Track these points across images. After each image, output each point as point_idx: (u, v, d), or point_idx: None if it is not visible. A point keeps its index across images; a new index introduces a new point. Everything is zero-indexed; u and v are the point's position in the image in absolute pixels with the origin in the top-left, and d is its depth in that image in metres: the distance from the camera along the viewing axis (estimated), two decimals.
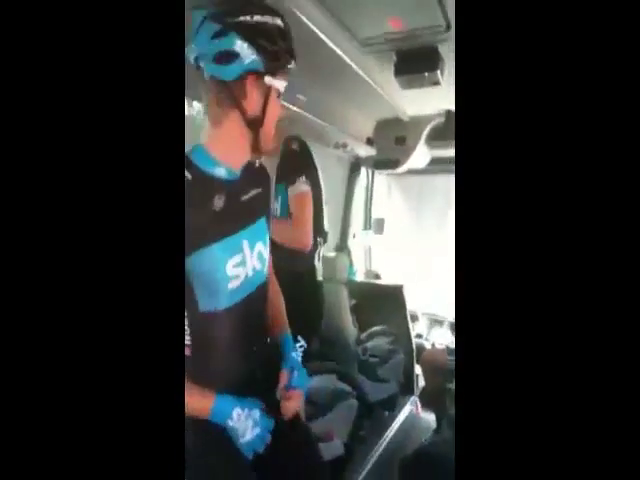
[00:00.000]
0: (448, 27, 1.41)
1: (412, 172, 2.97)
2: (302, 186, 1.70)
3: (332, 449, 1.85)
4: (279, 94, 0.95)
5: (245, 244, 0.97)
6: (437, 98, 2.11)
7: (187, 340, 0.96)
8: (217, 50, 0.85)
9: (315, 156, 1.84)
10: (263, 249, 1.03)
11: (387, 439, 2.38)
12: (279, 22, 0.90)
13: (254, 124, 0.92)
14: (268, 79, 0.90)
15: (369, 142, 2.63)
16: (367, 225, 3.47)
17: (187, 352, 0.97)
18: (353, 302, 2.62)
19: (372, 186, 3.46)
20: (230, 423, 0.91)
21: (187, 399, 0.89)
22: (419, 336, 3.31)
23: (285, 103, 1.80)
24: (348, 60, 1.65)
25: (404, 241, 3.88)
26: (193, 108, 1.71)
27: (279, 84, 0.92)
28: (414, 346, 2.92)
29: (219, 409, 0.91)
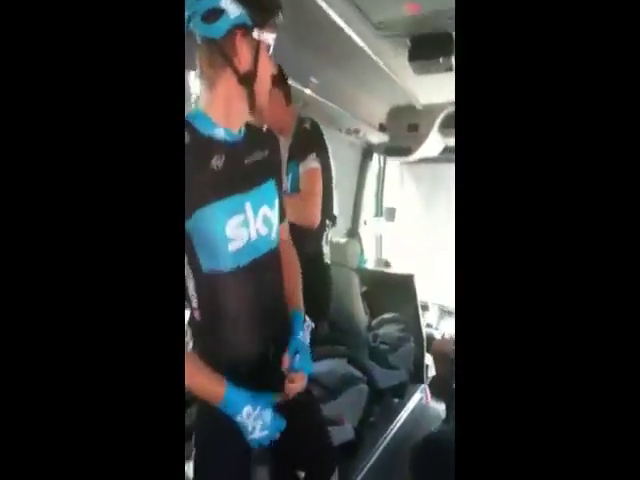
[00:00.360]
0: None
1: (425, 160, 2.95)
2: (313, 163, 1.70)
3: (343, 433, 1.86)
4: (269, 48, 0.94)
5: (248, 206, 0.96)
6: (451, 86, 2.09)
7: (194, 303, 0.97)
8: (205, 9, 0.86)
9: (327, 140, 1.84)
10: (270, 213, 1.01)
11: (397, 426, 2.38)
12: None
13: (247, 80, 0.92)
14: (256, 33, 0.90)
15: (382, 128, 2.61)
16: (378, 212, 3.46)
17: (197, 316, 0.98)
18: (364, 289, 2.62)
19: (384, 173, 3.44)
20: (239, 419, 0.91)
21: (199, 380, 0.90)
22: (429, 326, 3.31)
23: (299, 86, 1.81)
24: (362, 44, 1.63)
25: (415, 229, 3.86)
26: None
27: (268, 37, 0.92)
28: (424, 335, 2.91)
29: (230, 402, 0.91)
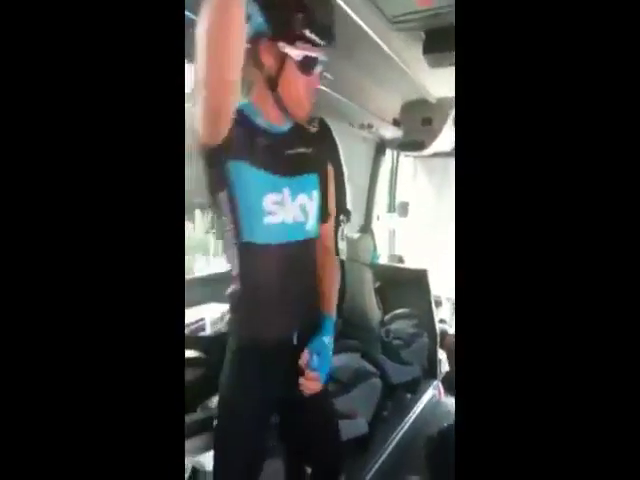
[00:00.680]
0: None
1: (438, 155, 2.93)
2: None
3: (356, 427, 1.87)
4: (302, 65, 0.95)
5: (286, 190, 1.00)
6: None
7: (235, 272, 1.03)
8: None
9: (339, 135, 1.83)
10: (309, 204, 1.04)
11: (409, 421, 2.39)
12: None
13: (270, 84, 0.97)
14: (281, 45, 0.92)
15: (395, 123, 2.59)
16: (391, 207, 3.45)
17: (235, 285, 1.04)
18: (377, 284, 2.62)
19: (397, 168, 3.42)
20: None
21: None
22: (443, 321, 3.29)
23: None
24: (376, 37, 1.62)
25: (429, 225, 3.83)
26: None
27: (293, 53, 0.93)
28: (438, 331, 2.90)
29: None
